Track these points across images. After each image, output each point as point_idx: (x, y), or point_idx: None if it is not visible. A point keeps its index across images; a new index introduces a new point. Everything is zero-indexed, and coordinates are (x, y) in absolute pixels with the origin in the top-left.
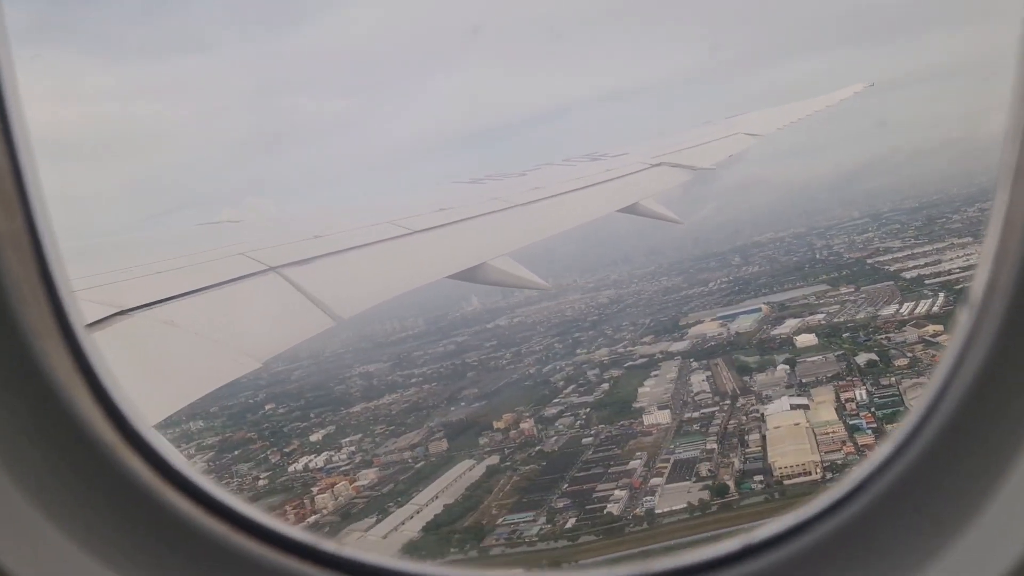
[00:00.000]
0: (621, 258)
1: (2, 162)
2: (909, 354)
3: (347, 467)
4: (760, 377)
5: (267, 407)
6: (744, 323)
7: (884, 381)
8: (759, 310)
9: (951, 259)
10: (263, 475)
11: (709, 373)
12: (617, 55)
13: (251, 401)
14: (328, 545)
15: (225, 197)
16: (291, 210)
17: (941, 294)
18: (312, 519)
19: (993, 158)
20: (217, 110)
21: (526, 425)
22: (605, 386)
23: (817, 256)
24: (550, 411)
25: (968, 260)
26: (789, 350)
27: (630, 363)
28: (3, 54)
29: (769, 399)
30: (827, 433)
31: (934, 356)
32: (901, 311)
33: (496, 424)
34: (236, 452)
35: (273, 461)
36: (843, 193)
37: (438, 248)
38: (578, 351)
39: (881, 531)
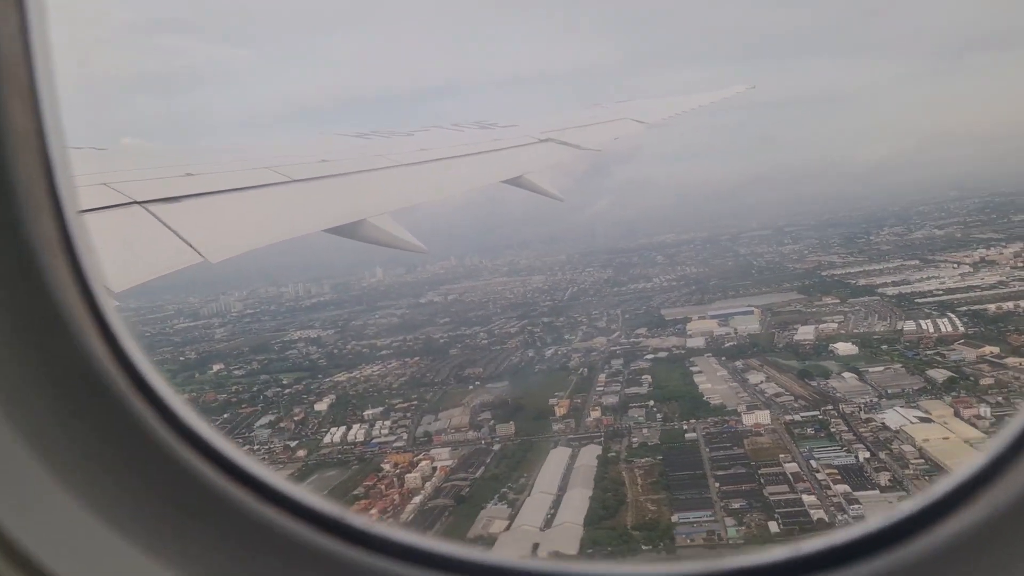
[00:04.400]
0: (519, 243)
1: (18, 52)
2: (991, 374)
3: (397, 443)
4: (831, 384)
5: (215, 367)
6: (746, 324)
7: (991, 399)
8: (751, 312)
9: (921, 279)
10: (291, 445)
11: (764, 376)
12: (519, 44)
13: (184, 359)
14: (355, 519)
15: (94, 138)
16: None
17: (949, 314)
18: (416, 500)
19: (872, 183)
20: (92, 42)
21: (596, 414)
22: (647, 378)
23: (754, 264)
24: (607, 400)
25: (940, 283)
26: (830, 357)
27: (650, 356)
28: None
29: (874, 408)
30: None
31: (1017, 377)
32: (923, 328)
33: (558, 410)
34: (226, 415)
35: (291, 430)
36: (730, 203)
37: (317, 200)
38: (567, 337)
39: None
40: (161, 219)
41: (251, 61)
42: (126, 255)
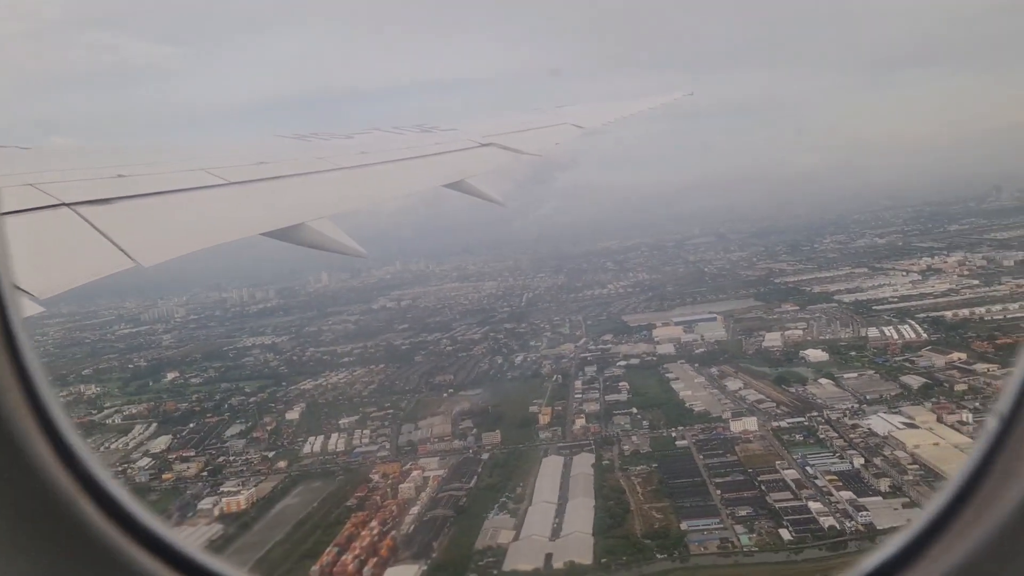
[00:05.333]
0: (462, 248)
1: None
2: (963, 380)
3: (381, 453)
4: (810, 391)
5: (170, 375)
6: (711, 331)
7: (969, 404)
8: (715, 318)
9: (874, 286)
10: (269, 455)
11: (741, 383)
12: (454, 47)
13: (134, 366)
14: None
15: (20, 137)
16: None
17: (909, 321)
18: (413, 511)
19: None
20: (15, 37)
21: (581, 422)
22: (624, 385)
23: (705, 270)
24: (589, 408)
25: (893, 290)
26: (802, 363)
27: (623, 363)
28: None
29: (858, 414)
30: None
31: (988, 383)
32: (887, 334)
33: (542, 418)
34: (192, 425)
35: (266, 440)
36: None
37: (255, 203)
38: (533, 344)
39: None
40: (91, 222)
41: (184, 60)
42: (54, 259)
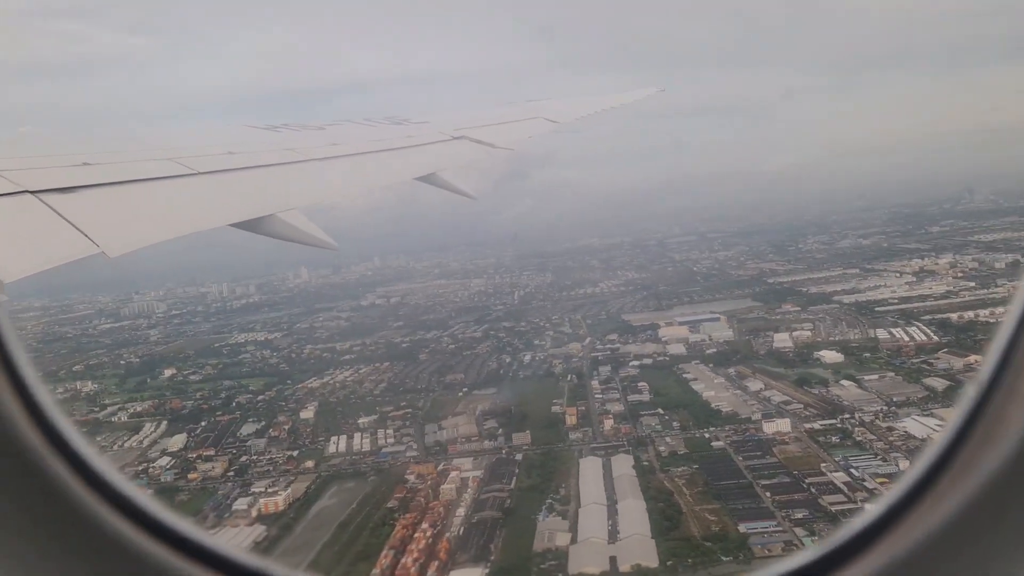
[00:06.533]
0: (439, 245)
1: None
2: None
3: (409, 453)
4: (834, 392)
5: (167, 372)
6: (718, 331)
7: None
8: (718, 318)
9: (870, 288)
10: (294, 455)
11: (762, 384)
12: (424, 41)
13: (127, 362)
14: (273, 568)
15: None
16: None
17: (915, 323)
18: (459, 512)
19: (774, 190)
20: None
21: (610, 422)
22: (643, 385)
23: (694, 270)
24: (612, 408)
25: (891, 291)
26: (817, 364)
27: (635, 363)
28: None
29: (890, 416)
30: None
31: None
32: (896, 336)
33: (568, 419)
34: (203, 423)
35: (285, 439)
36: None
37: (223, 193)
38: (537, 343)
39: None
40: (56, 209)
41: (152, 51)
42: (18, 245)
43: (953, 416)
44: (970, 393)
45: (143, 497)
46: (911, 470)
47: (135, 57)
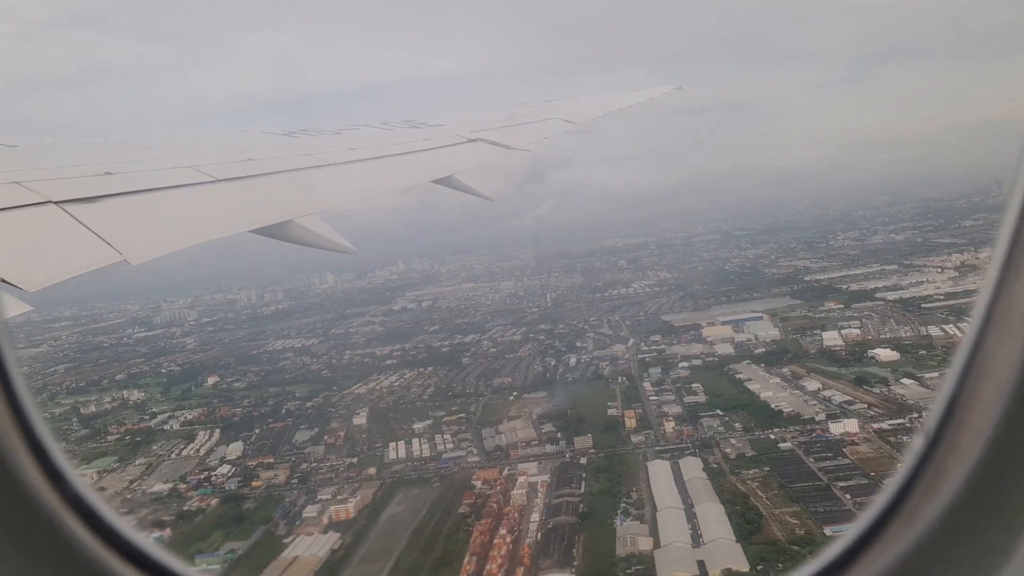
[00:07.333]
0: (460, 248)
1: None
2: None
3: (471, 459)
4: (896, 391)
5: (211, 379)
6: (764, 331)
7: None
8: (761, 317)
9: (912, 284)
10: (354, 462)
11: (819, 384)
12: (437, 44)
13: (167, 371)
14: None
15: (9, 136)
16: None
17: (966, 319)
18: (533, 517)
19: (793, 186)
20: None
21: (670, 425)
22: (697, 386)
23: (726, 268)
24: (669, 410)
25: (936, 287)
26: (873, 363)
27: (685, 364)
28: None
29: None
30: None
31: None
32: (950, 333)
33: (627, 422)
34: (257, 431)
35: (342, 446)
36: (662, 207)
37: (243, 200)
38: (580, 345)
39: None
40: (79, 219)
41: (166, 58)
42: (41, 255)
43: (902, 465)
44: (917, 443)
45: (129, 528)
46: (883, 491)
47: (149, 64)
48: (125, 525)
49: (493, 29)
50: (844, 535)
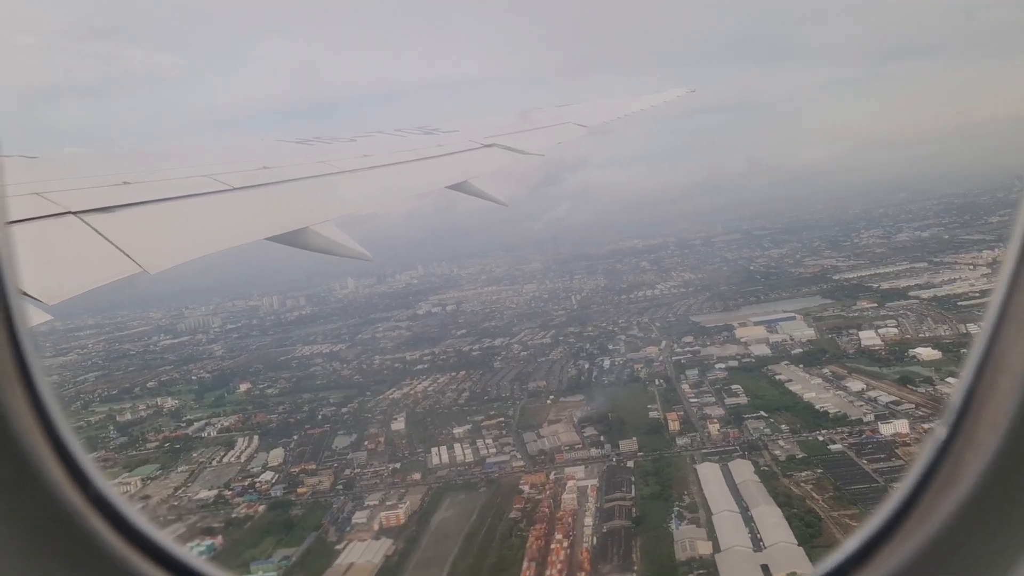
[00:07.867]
0: (477, 252)
1: None
2: None
3: (514, 462)
4: (942, 390)
5: (243, 386)
6: (799, 331)
7: None
8: (794, 317)
9: (945, 281)
10: (397, 467)
11: (863, 384)
12: (449, 49)
13: (198, 378)
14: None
15: (31, 147)
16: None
17: None
18: (587, 522)
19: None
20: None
21: (715, 427)
22: (737, 388)
23: (751, 268)
24: (711, 412)
25: (970, 285)
26: (914, 362)
27: (721, 365)
28: None
29: None
30: None
31: None
32: None
33: (671, 424)
34: (295, 437)
35: (383, 452)
36: (677, 207)
37: (258, 207)
38: (611, 348)
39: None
40: (97, 230)
41: (180, 67)
42: (61, 267)
43: (919, 458)
44: (937, 436)
45: (152, 527)
46: (900, 486)
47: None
48: (149, 525)
49: (508, 34)
50: (861, 530)
